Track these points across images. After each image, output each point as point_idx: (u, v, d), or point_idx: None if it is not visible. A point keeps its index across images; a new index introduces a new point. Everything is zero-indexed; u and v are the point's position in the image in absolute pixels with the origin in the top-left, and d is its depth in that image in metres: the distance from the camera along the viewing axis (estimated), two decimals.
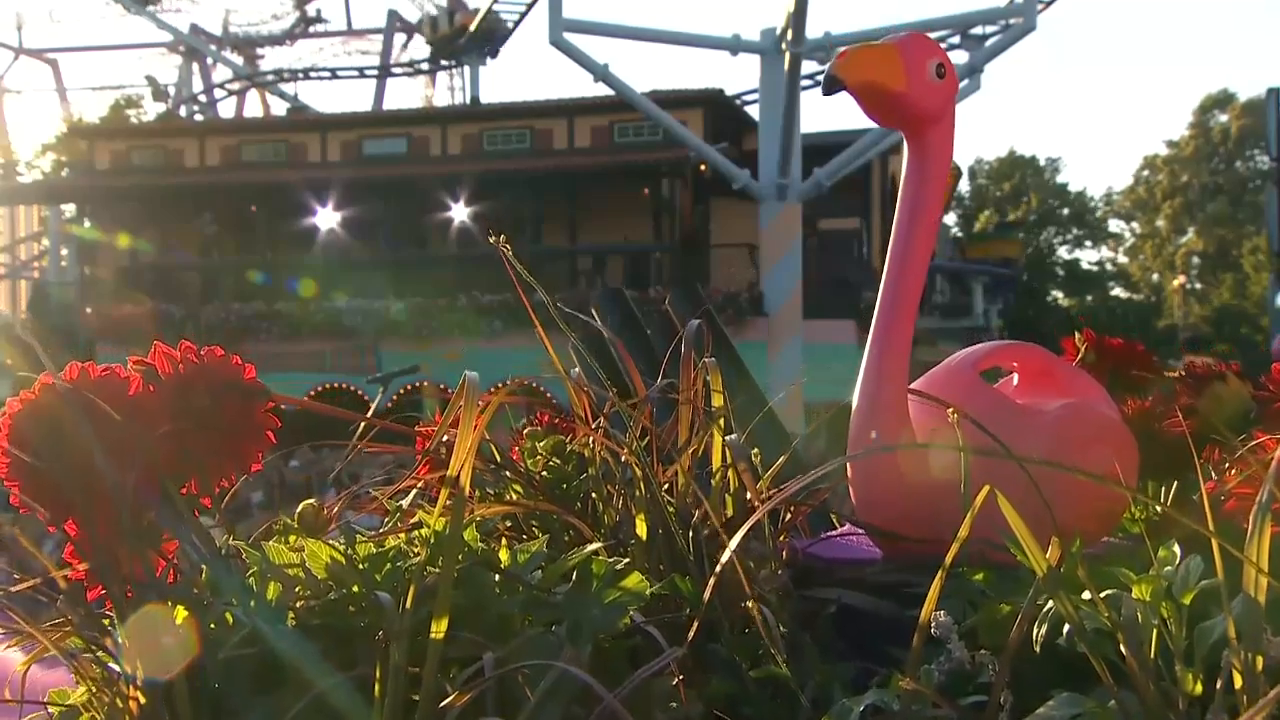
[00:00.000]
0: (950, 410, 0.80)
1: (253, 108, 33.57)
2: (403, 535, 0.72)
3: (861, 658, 0.76)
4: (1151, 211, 47.45)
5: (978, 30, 19.25)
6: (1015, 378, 1.04)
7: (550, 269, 20.60)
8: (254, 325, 20.27)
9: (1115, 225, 50.62)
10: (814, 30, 17.58)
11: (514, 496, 0.89)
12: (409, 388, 17.86)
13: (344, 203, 20.58)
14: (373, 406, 6.65)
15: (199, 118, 30.22)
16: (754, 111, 21.10)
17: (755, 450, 0.91)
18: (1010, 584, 0.74)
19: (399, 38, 35.15)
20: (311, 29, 36.84)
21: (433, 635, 0.56)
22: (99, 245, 23.06)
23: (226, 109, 32.07)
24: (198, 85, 32.82)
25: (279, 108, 32.61)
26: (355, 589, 0.63)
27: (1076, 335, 1.14)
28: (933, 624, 0.65)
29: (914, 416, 0.93)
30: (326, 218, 20.79)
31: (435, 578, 0.60)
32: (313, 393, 20.20)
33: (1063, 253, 48.24)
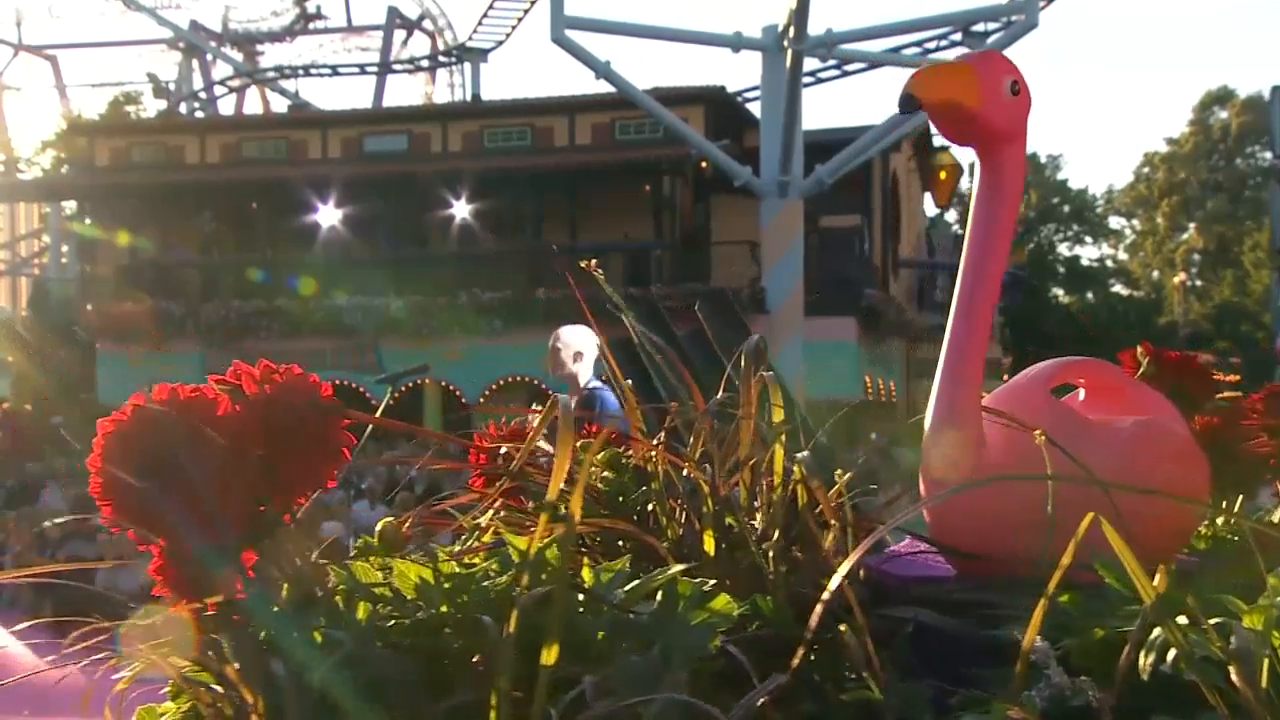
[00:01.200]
0: (1037, 432, 0.79)
1: (252, 105, 33.55)
2: (480, 555, 0.70)
3: (935, 677, 0.75)
4: (1151, 208, 47.44)
5: (979, 27, 19.22)
6: (1081, 393, 1.03)
7: (549, 266, 20.58)
8: (254, 323, 20.25)
9: (1115, 222, 50.65)
10: (815, 27, 17.54)
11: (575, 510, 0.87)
12: (410, 386, 17.85)
13: (345, 200, 20.55)
14: (381, 406, 6.52)
15: (200, 115, 30.19)
16: (755, 109, 21.07)
17: (839, 471, 0.89)
18: (1097, 605, 0.73)
19: (399, 35, 35.10)
20: (311, 26, 36.81)
21: (543, 663, 0.54)
22: (99, 242, 23.03)
23: (226, 106, 32.04)
24: (198, 82, 32.77)
25: (278, 105, 32.58)
26: (443, 609, 0.62)
27: (1138, 349, 1.12)
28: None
29: (986, 432, 0.92)
30: (327, 215, 20.77)
31: (528, 599, 0.59)
32: None
33: (1063, 250, 48.23)
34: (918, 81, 0.91)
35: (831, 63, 21.00)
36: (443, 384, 18.99)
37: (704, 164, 19.41)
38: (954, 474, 0.91)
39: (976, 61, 0.95)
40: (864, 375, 20.15)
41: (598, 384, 5.69)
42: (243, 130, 24.64)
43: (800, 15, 16.73)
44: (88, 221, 24.09)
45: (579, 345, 5.69)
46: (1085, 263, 48.56)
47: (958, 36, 19.78)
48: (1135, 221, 49.69)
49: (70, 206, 27.29)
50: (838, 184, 18.84)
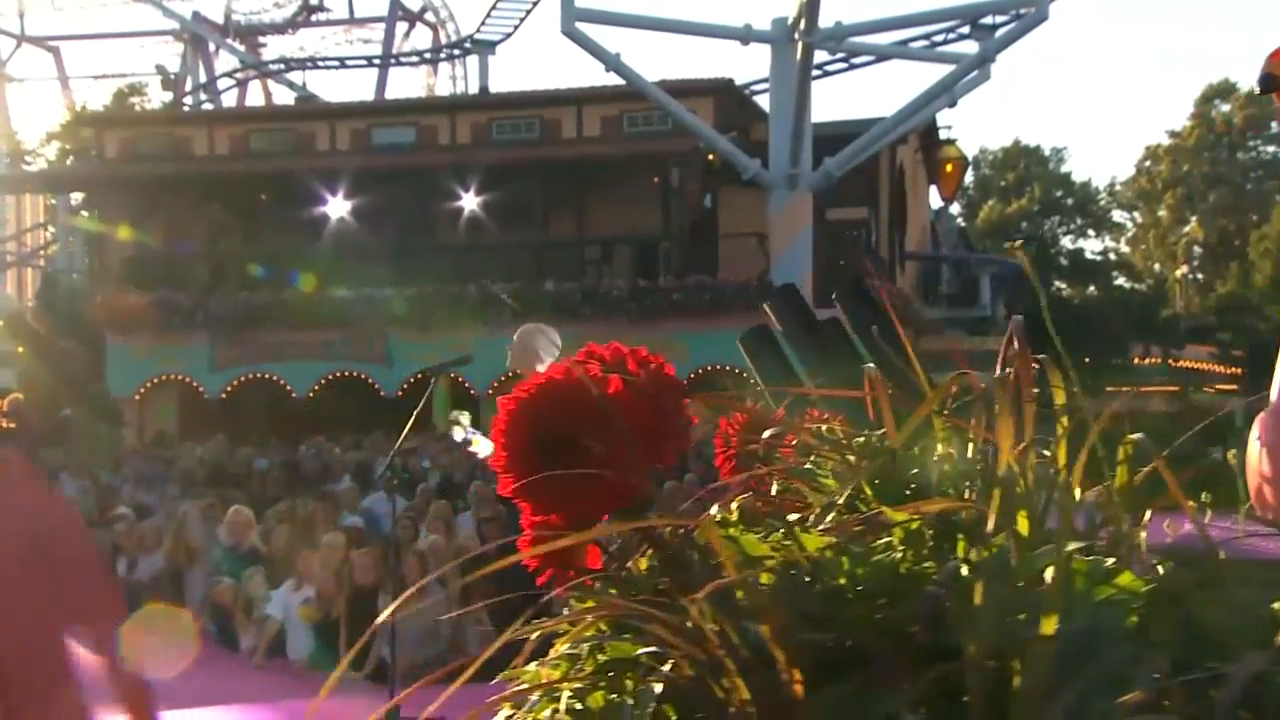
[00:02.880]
0: None
1: (254, 97, 33.50)
2: (847, 532, 0.70)
3: None
4: (1154, 201, 47.41)
5: (988, 20, 19.23)
6: None
7: (558, 258, 20.58)
8: (263, 314, 20.24)
9: (1119, 215, 50.63)
10: (824, 20, 17.59)
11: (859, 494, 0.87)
12: (419, 376, 17.81)
13: (353, 192, 20.52)
14: (425, 398, 6.59)
15: (207, 107, 30.16)
16: (762, 101, 21.07)
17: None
18: None
19: (400, 27, 35.06)
20: (314, 17, 36.76)
21: (1043, 632, 0.55)
22: (107, 234, 23.01)
23: (229, 99, 32.00)
24: (203, 75, 32.74)
25: (279, 97, 32.57)
26: (841, 581, 0.64)
27: None
28: None
29: None
30: (335, 207, 20.75)
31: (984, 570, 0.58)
32: (324, 381, 20.21)
33: (1066, 243, 48.21)
34: (1277, 61, 0.92)
35: (839, 55, 21.02)
36: (452, 375, 18.95)
37: (711, 156, 19.42)
38: None
39: None
40: None
41: None
42: (250, 122, 24.61)
43: (811, 8, 16.74)
44: (95, 213, 24.05)
45: (539, 343, 5.77)
46: (1088, 255, 48.58)
47: (966, 29, 19.80)
48: (1137, 214, 49.68)
49: (76, 198, 27.26)
50: (843, 176, 18.88)
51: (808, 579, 0.64)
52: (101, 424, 19.72)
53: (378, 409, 18.71)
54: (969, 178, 42.88)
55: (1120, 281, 47.62)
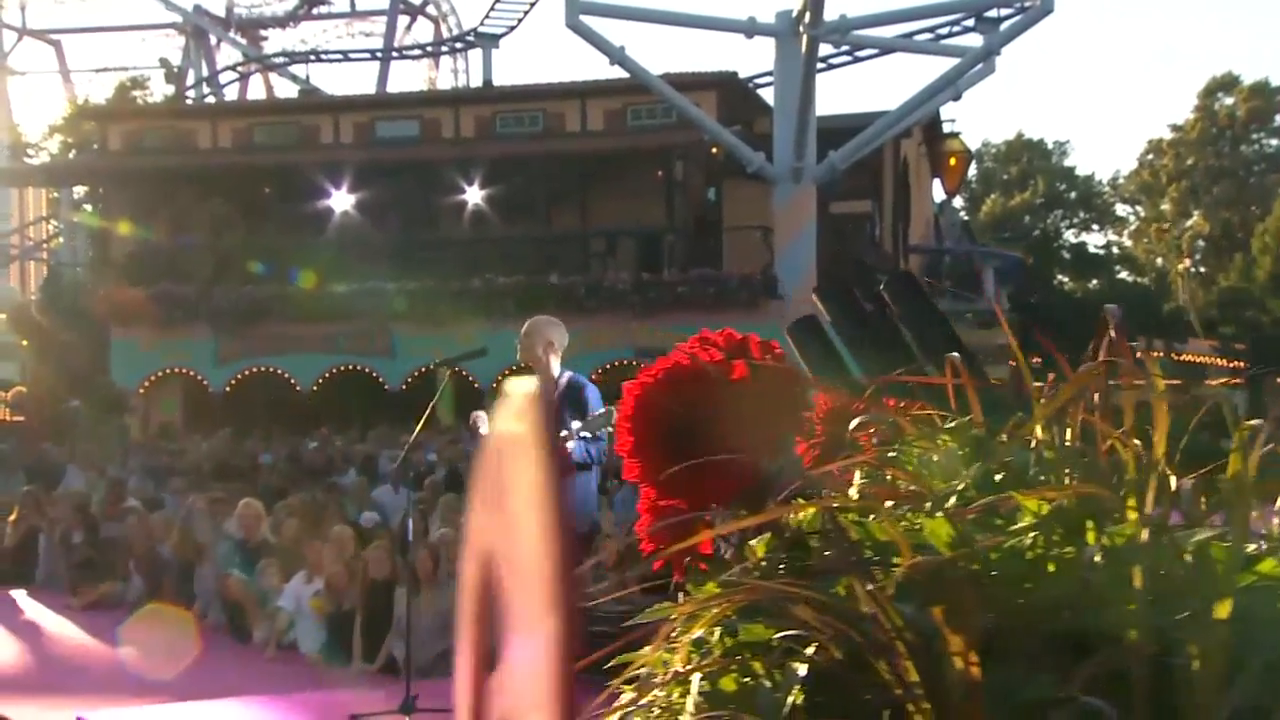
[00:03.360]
0: None
1: (256, 90, 33.46)
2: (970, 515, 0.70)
3: None
4: (1157, 195, 47.34)
5: (992, 13, 19.21)
6: None
7: (561, 251, 20.56)
8: (266, 307, 20.24)
9: (1122, 209, 50.54)
10: (829, 13, 17.56)
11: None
12: (424, 369, 17.81)
13: (357, 185, 20.52)
14: (439, 390, 6.61)
15: (210, 100, 30.13)
16: (766, 94, 21.06)
17: None
18: None
19: (402, 20, 35.01)
20: (315, 10, 36.72)
21: (1217, 616, 0.56)
22: (110, 227, 22.99)
23: (231, 93, 31.97)
24: (205, 68, 32.72)
25: (281, 90, 32.53)
26: (975, 566, 0.64)
27: None
28: None
29: None
30: (339, 200, 20.74)
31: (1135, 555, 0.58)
32: (328, 375, 20.21)
33: (1069, 236, 48.17)
34: None
35: (844, 48, 21.01)
36: (456, 369, 18.94)
37: (715, 149, 19.41)
38: None
39: None
40: None
41: (574, 375, 5.77)
42: (254, 115, 24.59)
43: (816, 1, 16.73)
44: (99, 206, 24.05)
45: (550, 336, 5.73)
46: (1091, 249, 48.52)
47: (970, 23, 19.79)
48: (1140, 208, 49.62)
49: (79, 192, 27.23)
50: (847, 170, 18.89)
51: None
52: (108, 416, 19.74)
53: (381, 403, 18.74)
54: (972, 171, 42.90)
55: (1123, 275, 47.54)
